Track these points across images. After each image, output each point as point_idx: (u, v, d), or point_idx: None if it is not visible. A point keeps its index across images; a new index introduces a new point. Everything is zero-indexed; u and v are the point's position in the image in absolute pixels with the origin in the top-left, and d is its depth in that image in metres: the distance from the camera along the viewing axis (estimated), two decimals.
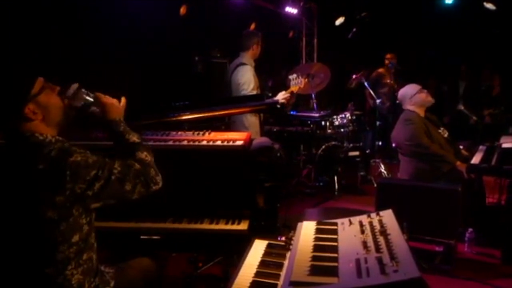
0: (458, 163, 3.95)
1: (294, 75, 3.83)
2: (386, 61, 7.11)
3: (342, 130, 5.75)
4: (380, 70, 7.18)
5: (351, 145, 5.75)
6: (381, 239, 1.69)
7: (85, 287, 1.73)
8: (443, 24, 7.99)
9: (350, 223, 1.94)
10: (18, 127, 1.70)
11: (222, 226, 2.44)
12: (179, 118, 3.00)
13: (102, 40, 4.26)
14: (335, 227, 1.93)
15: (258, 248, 1.91)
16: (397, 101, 4.44)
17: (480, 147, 4.26)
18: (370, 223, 1.88)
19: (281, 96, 3.71)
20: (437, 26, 8.05)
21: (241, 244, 2.03)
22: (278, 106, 3.66)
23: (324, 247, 1.73)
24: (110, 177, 1.70)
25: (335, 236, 1.84)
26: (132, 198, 1.78)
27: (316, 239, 1.83)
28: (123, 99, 2.03)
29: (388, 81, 7.05)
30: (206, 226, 2.44)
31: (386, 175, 6.03)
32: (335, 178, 5.58)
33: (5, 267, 1.70)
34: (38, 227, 1.63)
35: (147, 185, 1.81)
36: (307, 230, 1.94)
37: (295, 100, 4.05)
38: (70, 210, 1.64)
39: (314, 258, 1.64)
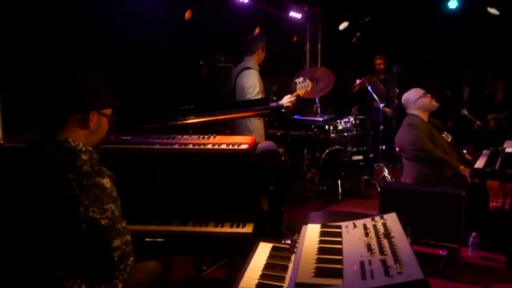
0: (462, 167, 3.95)
1: (301, 79, 3.83)
2: (376, 67, 7.07)
3: (345, 134, 5.76)
4: (373, 79, 7.12)
5: (354, 149, 5.76)
6: (385, 242, 1.71)
7: None
8: (446, 28, 8.00)
9: (354, 226, 1.95)
10: (58, 129, 1.75)
11: (227, 229, 2.45)
12: (185, 122, 3.04)
13: (103, 43, 4.27)
14: (339, 230, 1.95)
15: (263, 250, 1.93)
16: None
17: (484, 151, 4.26)
18: (374, 226, 1.89)
19: (286, 100, 3.73)
20: (439, 30, 8.05)
21: (245, 247, 2.05)
22: (283, 110, 3.68)
23: (329, 250, 1.75)
24: (115, 222, 1.72)
25: (339, 239, 1.85)
26: (106, 256, 1.73)
27: (321, 241, 1.84)
28: None
29: (382, 86, 6.99)
30: (211, 229, 2.46)
31: (390, 179, 6.03)
32: (339, 182, 5.59)
33: (16, 269, 1.73)
34: (52, 229, 1.66)
35: (122, 260, 1.77)
36: (311, 233, 1.95)
37: (299, 104, 4.06)
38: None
39: (319, 260, 1.65)
